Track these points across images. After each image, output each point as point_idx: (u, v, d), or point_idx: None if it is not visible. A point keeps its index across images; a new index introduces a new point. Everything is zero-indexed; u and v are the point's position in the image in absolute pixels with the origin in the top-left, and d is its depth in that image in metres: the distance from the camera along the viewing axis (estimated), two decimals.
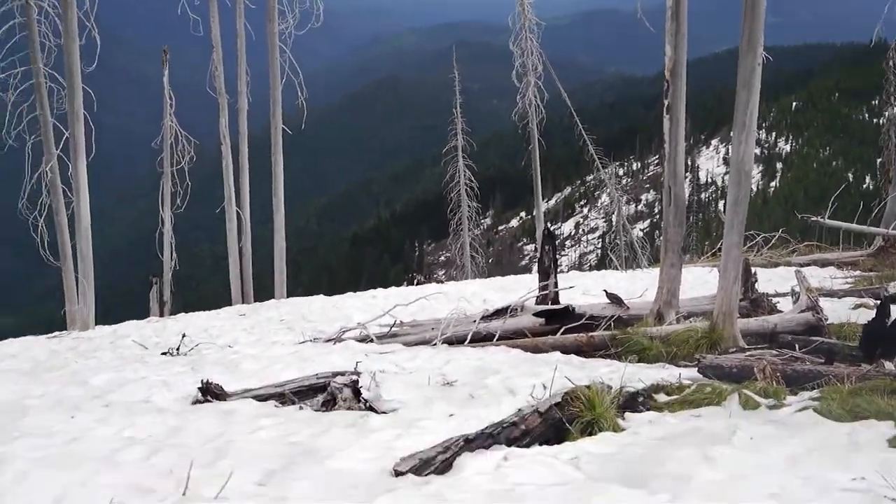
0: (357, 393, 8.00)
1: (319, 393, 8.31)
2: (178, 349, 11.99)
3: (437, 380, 9.11)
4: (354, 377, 8.23)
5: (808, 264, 24.42)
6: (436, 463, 5.81)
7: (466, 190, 43.83)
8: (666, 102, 12.99)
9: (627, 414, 7.48)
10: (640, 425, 7.08)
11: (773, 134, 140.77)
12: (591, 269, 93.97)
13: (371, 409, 7.86)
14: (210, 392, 8.21)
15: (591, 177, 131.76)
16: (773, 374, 8.40)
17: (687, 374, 9.05)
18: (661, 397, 8.19)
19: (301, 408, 7.96)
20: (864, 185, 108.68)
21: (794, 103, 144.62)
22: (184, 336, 12.87)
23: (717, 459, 5.87)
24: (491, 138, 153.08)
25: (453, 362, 10.36)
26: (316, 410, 7.90)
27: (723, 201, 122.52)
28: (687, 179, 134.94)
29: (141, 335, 15.77)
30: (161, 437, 6.78)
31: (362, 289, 24.01)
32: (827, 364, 9.43)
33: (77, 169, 20.47)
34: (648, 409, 7.75)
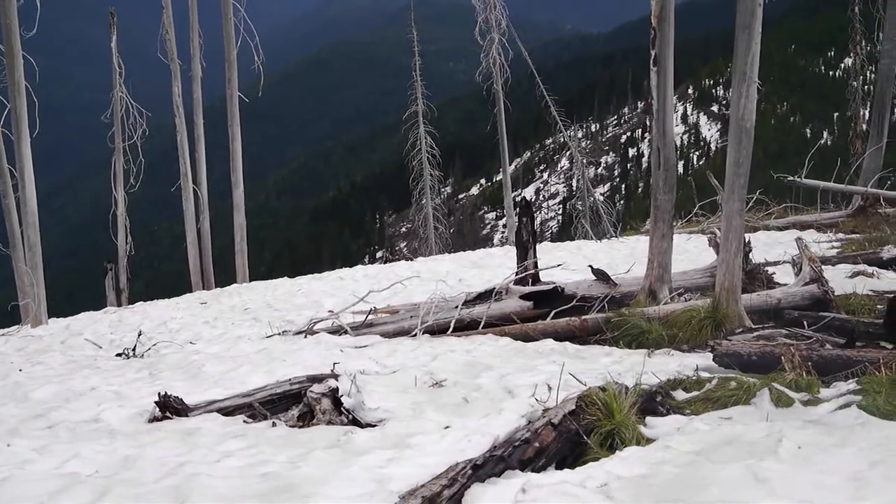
0: (337, 403, 7.01)
1: (294, 403, 7.34)
2: (133, 350, 10.91)
3: (425, 380, 8.15)
4: (333, 384, 7.22)
5: (787, 227, 23.67)
6: (442, 500, 4.84)
7: (428, 158, 42.69)
8: (653, 53, 11.69)
9: (649, 419, 6.55)
10: (669, 435, 6.14)
11: (731, 90, 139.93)
12: (551, 236, 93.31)
13: (354, 421, 6.89)
14: (169, 407, 7.16)
15: (551, 140, 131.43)
16: (802, 363, 7.51)
17: (701, 364, 8.19)
18: (680, 394, 7.30)
19: (274, 424, 6.94)
20: (822, 141, 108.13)
21: None
22: (140, 334, 11.84)
23: (770, 481, 4.92)
24: (448, 103, 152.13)
25: (440, 357, 9.40)
26: (291, 426, 6.90)
27: (682, 161, 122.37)
28: (646, 140, 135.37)
29: (95, 331, 14.74)
30: (110, 472, 5.72)
31: (325, 265, 23.00)
32: (850, 346, 8.59)
33: (20, 147, 18.66)
34: (670, 411, 6.82)
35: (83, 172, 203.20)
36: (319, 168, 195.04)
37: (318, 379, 7.64)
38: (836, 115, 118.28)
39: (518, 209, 14.12)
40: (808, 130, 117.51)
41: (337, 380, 7.53)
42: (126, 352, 10.93)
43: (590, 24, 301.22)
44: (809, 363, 7.54)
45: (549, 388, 7.17)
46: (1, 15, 18.60)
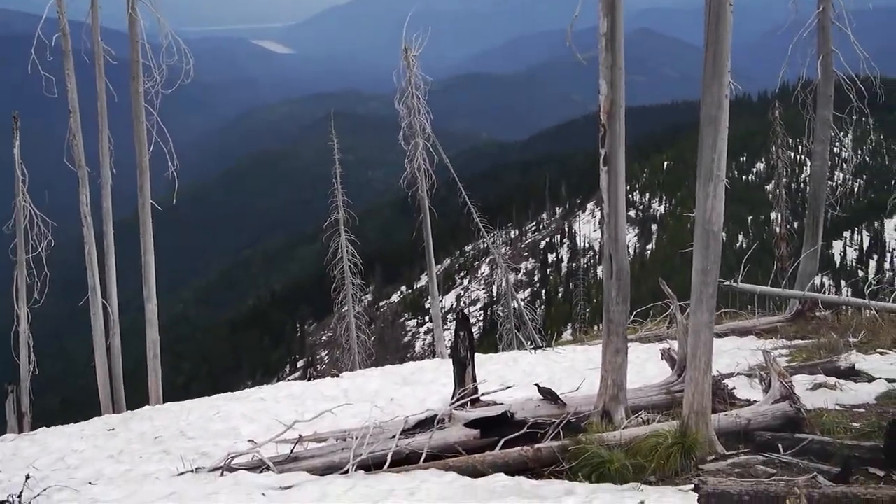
0: None
1: None
2: (19, 497, 9.45)
3: None
4: None
5: (726, 333, 22.81)
6: None
7: (350, 266, 41.77)
8: (603, 152, 10.57)
9: None
10: None
11: (647, 195, 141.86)
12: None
13: None
14: None
15: (471, 247, 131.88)
16: None
17: None
18: None
19: None
20: (738, 244, 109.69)
21: (665, 162, 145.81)
22: (28, 478, 10.35)
23: None
24: (366, 211, 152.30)
25: None
26: None
27: (600, 267, 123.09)
28: (565, 245, 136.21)
29: None
30: None
31: (245, 375, 21.64)
32: (845, 478, 7.64)
33: None
34: None
35: None
36: (238, 277, 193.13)
37: None
38: (749, 218, 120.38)
39: (455, 323, 13.04)
40: (723, 234, 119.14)
41: None
42: (10, 500, 9.47)
43: (504, 132, 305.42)
44: None
45: None
46: None
